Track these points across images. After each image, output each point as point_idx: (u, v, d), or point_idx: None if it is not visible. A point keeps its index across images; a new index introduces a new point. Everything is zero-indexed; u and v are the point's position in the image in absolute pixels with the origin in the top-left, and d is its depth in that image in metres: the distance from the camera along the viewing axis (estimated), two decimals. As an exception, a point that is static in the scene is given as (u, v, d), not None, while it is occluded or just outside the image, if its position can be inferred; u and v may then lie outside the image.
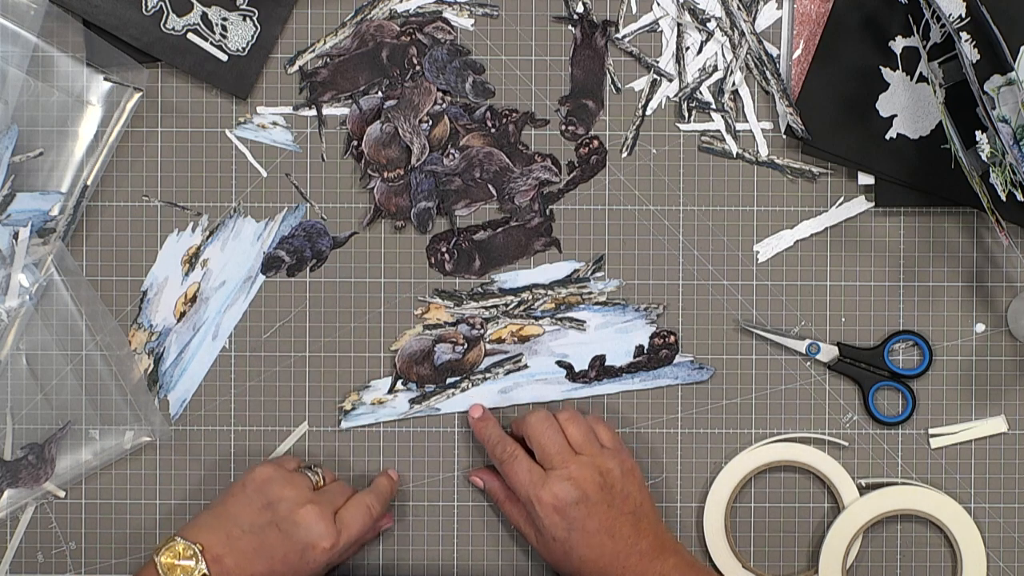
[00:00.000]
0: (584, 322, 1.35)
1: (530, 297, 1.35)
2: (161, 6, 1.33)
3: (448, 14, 1.35)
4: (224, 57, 1.34)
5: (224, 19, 1.34)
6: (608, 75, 1.35)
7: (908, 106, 1.32)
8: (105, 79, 1.33)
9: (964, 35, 1.25)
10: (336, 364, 1.35)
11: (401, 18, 1.35)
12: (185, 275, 1.35)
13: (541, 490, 1.26)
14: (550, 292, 1.35)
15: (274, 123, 1.35)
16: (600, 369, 1.35)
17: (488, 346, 1.35)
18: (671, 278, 1.35)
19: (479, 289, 1.35)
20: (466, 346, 1.34)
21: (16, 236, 1.31)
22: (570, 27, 1.35)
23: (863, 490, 1.34)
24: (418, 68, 1.34)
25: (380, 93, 1.35)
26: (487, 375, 1.35)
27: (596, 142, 1.35)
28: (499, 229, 1.35)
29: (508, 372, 1.35)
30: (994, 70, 1.26)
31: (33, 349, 1.34)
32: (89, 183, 1.33)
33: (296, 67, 1.35)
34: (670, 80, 1.35)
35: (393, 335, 1.35)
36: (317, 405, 1.35)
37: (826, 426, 1.35)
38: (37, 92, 1.32)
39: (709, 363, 1.35)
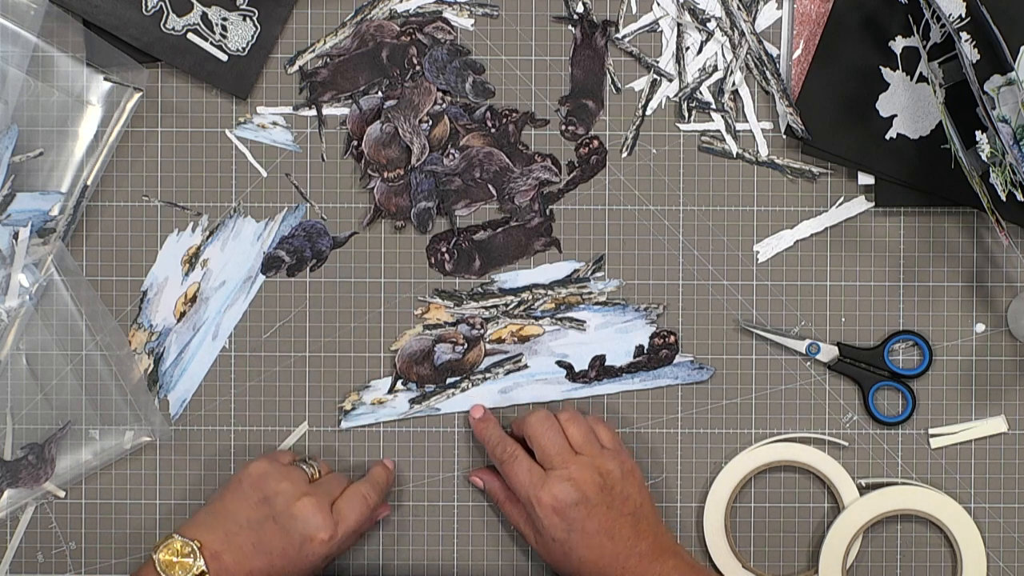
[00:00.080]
0: (584, 322, 1.35)
1: (530, 297, 1.35)
2: (161, 6, 1.33)
3: (448, 14, 1.35)
4: (224, 57, 1.34)
5: (224, 19, 1.34)
6: (608, 75, 1.35)
7: (908, 106, 1.32)
8: (105, 79, 1.33)
9: (964, 35, 1.25)
10: (336, 364, 1.35)
11: (401, 18, 1.35)
12: (185, 275, 1.35)
13: (541, 491, 1.26)
14: (550, 292, 1.35)
15: (274, 123, 1.35)
16: (600, 369, 1.35)
17: (488, 346, 1.35)
18: (671, 278, 1.35)
19: (479, 289, 1.35)
20: (466, 346, 1.34)
21: (16, 236, 1.31)
22: (570, 27, 1.35)
23: (863, 490, 1.34)
24: (418, 68, 1.35)
25: (380, 93, 1.35)
26: (487, 375, 1.35)
27: (596, 142, 1.35)
28: (499, 229, 1.35)
29: (508, 372, 1.35)
30: (994, 70, 1.26)
31: (33, 349, 1.34)
32: (89, 183, 1.33)
33: (296, 67, 1.35)
34: (670, 80, 1.35)
35: (393, 335, 1.35)
36: (317, 405, 1.35)
37: (826, 426, 1.35)
38: (37, 92, 1.32)
39: (709, 363, 1.35)
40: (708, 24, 1.34)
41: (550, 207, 1.35)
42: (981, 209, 1.30)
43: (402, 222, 1.35)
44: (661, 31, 1.35)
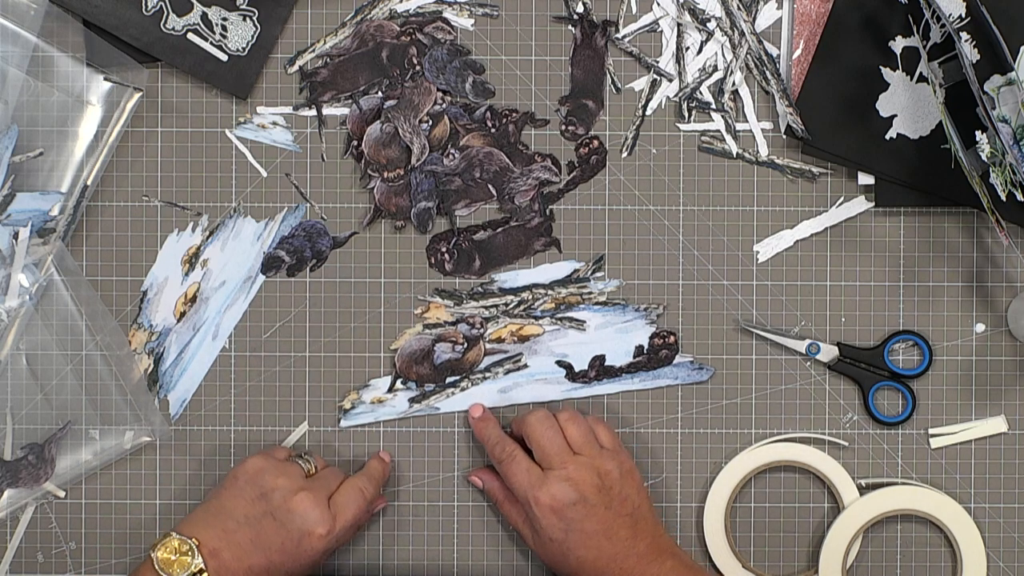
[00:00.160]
0: (584, 322, 1.35)
1: (530, 297, 1.35)
2: (161, 6, 1.33)
3: (448, 14, 1.35)
4: (224, 57, 1.34)
5: (224, 19, 1.34)
6: (608, 75, 1.35)
7: (908, 106, 1.32)
8: (105, 79, 1.33)
9: (964, 35, 1.25)
10: (336, 364, 1.35)
11: (401, 18, 1.35)
12: (185, 275, 1.35)
13: (539, 491, 1.26)
14: (550, 292, 1.35)
15: (274, 123, 1.35)
16: (600, 369, 1.35)
17: (488, 345, 1.35)
18: (671, 278, 1.35)
19: (479, 288, 1.35)
20: (466, 345, 1.34)
21: (16, 236, 1.31)
22: (570, 27, 1.35)
23: (863, 490, 1.34)
24: (418, 68, 1.35)
25: (380, 93, 1.35)
26: (487, 374, 1.35)
27: (596, 142, 1.35)
28: (499, 229, 1.35)
29: (508, 372, 1.35)
30: (994, 70, 1.26)
31: (33, 349, 1.34)
32: (89, 183, 1.33)
33: (296, 67, 1.35)
34: (670, 80, 1.35)
35: (393, 335, 1.35)
36: (317, 405, 1.35)
37: (826, 426, 1.35)
38: (37, 92, 1.32)
39: (709, 363, 1.35)
40: (708, 24, 1.34)
41: (550, 207, 1.35)
42: (981, 209, 1.30)
43: (402, 222, 1.35)
44: (661, 31, 1.35)
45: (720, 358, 1.35)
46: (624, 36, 1.35)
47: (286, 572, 1.25)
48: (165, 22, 1.33)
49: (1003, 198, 1.24)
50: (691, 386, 1.35)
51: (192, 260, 1.35)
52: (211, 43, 1.33)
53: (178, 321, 1.35)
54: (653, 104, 1.35)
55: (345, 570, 1.35)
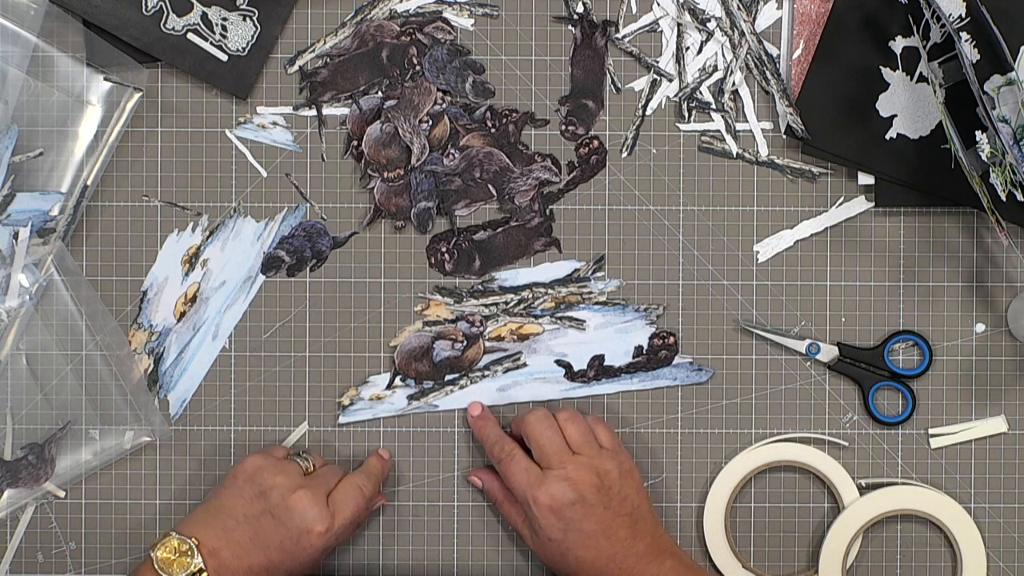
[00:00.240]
0: (584, 321, 1.35)
1: (530, 296, 1.35)
2: (161, 6, 1.33)
3: (448, 14, 1.35)
4: (224, 57, 1.34)
5: (224, 19, 1.34)
6: (608, 75, 1.35)
7: (908, 106, 1.32)
8: (105, 79, 1.33)
9: (964, 35, 1.25)
10: (336, 364, 1.35)
11: (401, 18, 1.35)
12: (185, 275, 1.35)
13: (538, 490, 1.26)
14: (550, 291, 1.35)
15: (274, 123, 1.35)
16: (599, 369, 1.35)
17: (487, 344, 1.35)
18: (671, 278, 1.35)
19: (479, 287, 1.35)
20: (465, 343, 1.34)
21: (16, 236, 1.31)
22: (570, 27, 1.35)
23: (863, 490, 1.34)
24: (418, 68, 1.35)
25: (380, 93, 1.35)
26: (486, 373, 1.35)
27: (596, 142, 1.35)
28: (499, 229, 1.35)
29: (507, 370, 1.35)
30: (994, 70, 1.26)
31: (33, 349, 1.34)
32: (89, 183, 1.33)
33: (296, 67, 1.35)
34: (670, 80, 1.35)
35: (393, 334, 1.35)
36: (317, 405, 1.35)
37: (826, 426, 1.35)
38: (37, 92, 1.32)
39: (709, 363, 1.35)
40: (708, 24, 1.34)
41: (550, 207, 1.35)
42: (981, 209, 1.30)
43: (402, 222, 1.35)
44: (661, 31, 1.35)
45: (720, 358, 1.35)
46: (624, 36, 1.35)
47: (286, 571, 1.25)
48: (165, 22, 1.33)
49: (1003, 198, 1.24)
50: (691, 386, 1.35)
51: (192, 260, 1.35)
52: (211, 43, 1.34)
53: (178, 321, 1.35)
54: (653, 104, 1.35)
55: (345, 570, 1.35)
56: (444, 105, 1.35)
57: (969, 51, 1.25)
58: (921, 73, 1.31)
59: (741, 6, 1.34)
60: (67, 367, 1.34)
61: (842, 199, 1.35)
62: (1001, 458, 1.35)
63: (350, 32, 1.35)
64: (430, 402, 1.35)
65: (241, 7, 1.33)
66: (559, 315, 1.35)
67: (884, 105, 1.32)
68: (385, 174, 1.34)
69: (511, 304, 1.35)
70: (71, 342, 1.34)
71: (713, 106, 1.35)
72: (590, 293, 1.35)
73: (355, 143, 1.35)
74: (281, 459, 1.29)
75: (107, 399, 1.34)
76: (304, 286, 1.35)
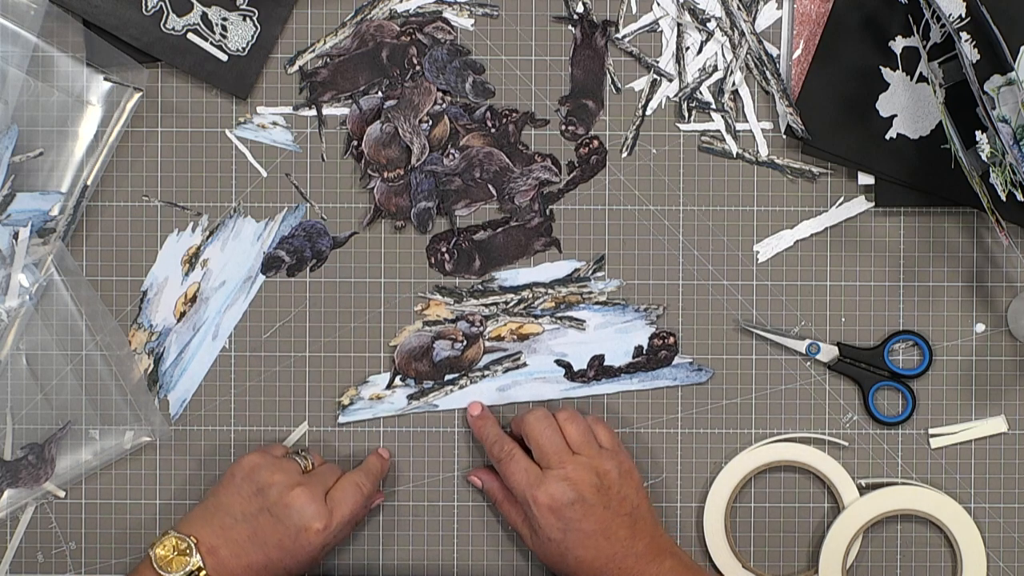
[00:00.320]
0: (584, 321, 1.35)
1: (530, 295, 1.35)
2: (161, 6, 1.33)
3: (448, 14, 1.35)
4: (224, 57, 1.34)
5: (224, 19, 1.34)
6: (608, 75, 1.35)
7: (908, 106, 1.32)
8: (105, 79, 1.33)
9: (964, 35, 1.25)
10: (336, 364, 1.35)
11: (401, 18, 1.35)
12: (185, 275, 1.35)
13: (537, 490, 1.26)
14: (550, 291, 1.35)
15: (274, 123, 1.35)
16: (599, 369, 1.35)
17: (487, 344, 1.35)
18: (671, 278, 1.35)
19: (479, 287, 1.35)
20: (465, 343, 1.34)
21: (16, 236, 1.31)
22: (570, 27, 1.35)
23: (863, 490, 1.34)
24: (418, 68, 1.35)
25: (380, 93, 1.35)
26: (486, 372, 1.35)
27: (596, 142, 1.35)
28: (499, 229, 1.35)
29: (507, 370, 1.35)
30: (994, 70, 1.26)
31: (33, 349, 1.34)
32: (89, 183, 1.33)
33: (296, 67, 1.35)
34: (670, 80, 1.35)
35: (393, 334, 1.35)
36: (317, 405, 1.35)
37: (826, 426, 1.35)
38: (37, 92, 1.32)
39: (709, 363, 1.35)
40: (708, 24, 1.34)
41: (550, 207, 1.35)
42: (981, 209, 1.30)
43: (402, 222, 1.35)
44: (661, 31, 1.35)
45: (720, 358, 1.35)
46: (624, 36, 1.35)
47: (285, 569, 1.25)
48: (165, 22, 1.33)
49: (1003, 198, 1.24)
50: (691, 386, 1.35)
51: (192, 260, 1.35)
52: (211, 43, 1.34)
53: (178, 321, 1.35)
54: (653, 104, 1.35)
55: (344, 570, 1.35)
56: (444, 105, 1.35)
57: (969, 51, 1.25)
58: (921, 73, 1.31)
59: (741, 6, 1.34)
60: (67, 367, 1.34)
61: (842, 199, 1.35)
62: (1001, 458, 1.35)
63: (350, 32, 1.35)
64: (430, 402, 1.35)
65: (241, 7, 1.33)
66: (559, 315, 1.35)
67: (884, 105, 1.32)
68: (385, 174, 1.34)
69: (511, 304, 1.35)
70: (71, 342, 1.34)
71: (713, 106, 1.35)
72: (590, 293, 1.35)
73: (355, 143, 1.35)
74: (279, 457, 1.29)
75: (107, 399, 1.34)
76: (304, 286, 1.35)
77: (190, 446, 1.36)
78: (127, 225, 1.35)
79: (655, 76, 1.35)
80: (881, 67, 1.31)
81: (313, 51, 1.35)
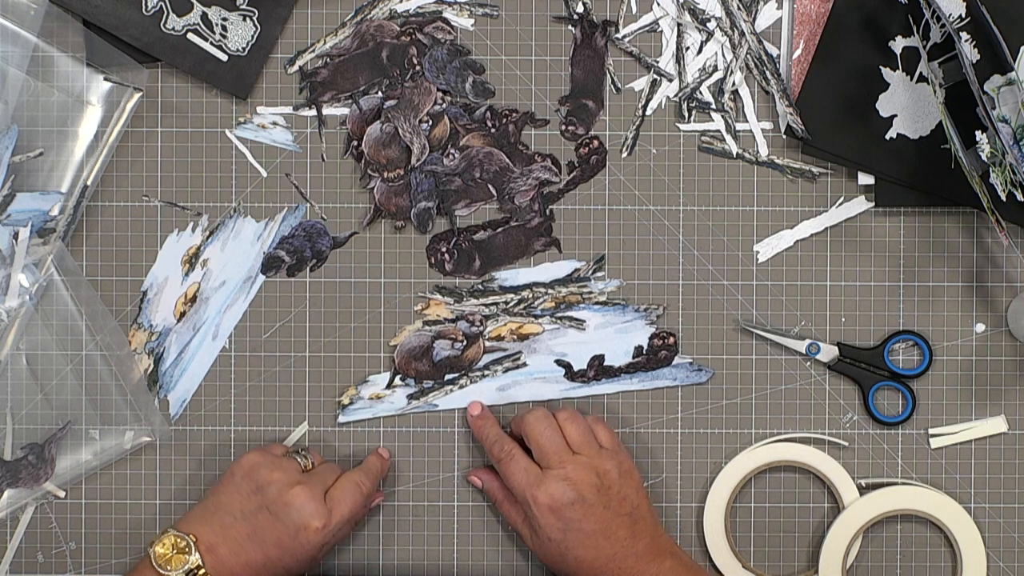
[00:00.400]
0: (584, 321, 1.35)
1: (530, 295, 1.35)
2: (161, 6, 1.33)
3: (448, 14, 1.35)
4: (224, 57, 1.34)
5: (224, 19, 1.34)
6: (608, 75, 1.35)
7: (908, 106, 1.32)
8: (105, 79, 1.33)
9: (964, 35, 1.25)
10: (336, 364, 1.35)
11: (401, 18, 1.35)
12: (185, 275, 1.35)
13: (537, 490, 1.26)
14: (550, 291, 1.35)
15: (274, 123, 1.35)
16: (599, 369, 1.35)
17: (487, 343, 1.35)
18: (671, 278, 1.35)
19: (479, 286, 1.35)
20: (465, 343, 1.34)
21: (16, 236, 1.31)
22: (570, 27, 1.35)
23: (863, 490, 1.34)
24: (418, 68, 1.35)
25: (380, 93, 1.35)
26: (486, 372, 1.35)
27: (596, 142, 1.35)
28: (499, 229, 1.35)
29: (507, 370, 1.35)
30: (994, 70, 1.26)
31: (33, 349, 1.34)
32: (89, 183, 1.33)
33: (296, 67, 1.35)
34: (670, 80, 1.35)
35: (393, 334, 1.35)
36: (317, 405, 1.35)
37: (826, 426, 1.35)
38: (37, 92, 1.32)
39: (709, 363, 1.35)
40: (708, 24, 1.34)
41: (550, 207, 1.35)
42: (981, 209, 1.30)
43: (402, 222, 1.35)
44: (661, 31, 1.35)
45: (720, 358, 1.35)
46: (624, 36, 1.35)
47: (284, 567, 1.25)
48: (165, 22, 1.33)
49: (1003, 198, 1.24)
50: (691, 386, 1.35)
51: (192, 260, 1.35)
52: (211, 43, 1.34)
53: (178, 321, 1.35)
54: (653, 104, 1.35)
55: (344, 570, 1.35)
56: (444, 105, 1.35)
57: (969, 51, 1.25)
58: (921, 73, 1.31)
59: (741, 6, 1.34)
60: (67, 367, 1.34)
61: (842, 199, 1.35)
62: (1001, 458, 1.35)
63: (350, 32, 1.35)
64: (430, 402, 1.35)
65: (241, 7, 1.33)
66: (559, 315, 1.35)
67: (884, 105, 1.32)
68: (385, 174, 1.34)
69: (511, 304, 1.35)
70: (71, 342, 1.34)
71: (713, 106, 1.35)
72: (590, 293, 1.35)
73: (355, 143, 1.35)
74: (279, 456, 1.29)
75: (107, 399, 1.34)
76: (304, 286, 1.35)
77: (190, 446, 1.36)
78: (127, 225, 1.35)
79: (655, 76, 1.35)
80: (881, 67, 1.31)
81: (313, 51, 1.35)
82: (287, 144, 1.35)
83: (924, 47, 1.30)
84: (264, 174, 1.35)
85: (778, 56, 1.35)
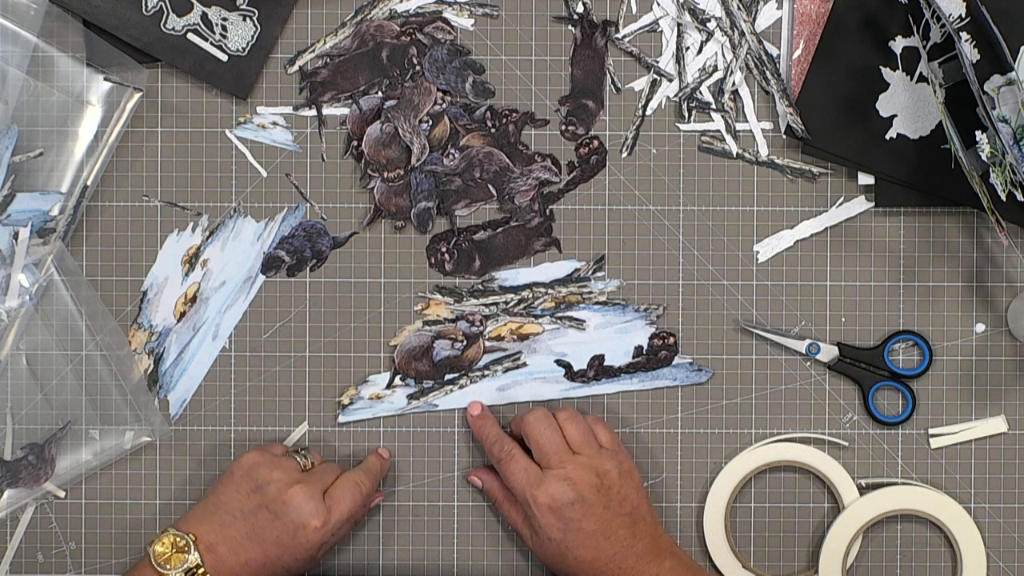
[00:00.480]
0: (584, 321, 1.35)
1: (530, 295, 1.35)
2: (161, 6, 1.33)
3: (448, 14, 1.35)
4: (224, 57, 1.34)
5: (224, 19, 1.34)
6: (608, 75, 1.35)
7: (908, 106, 1.32)
8: (105, 79, 1.33)
9: (964, 35, 1.25)
10: (336, 364, 1.35)
11: (401, 18, 1.35)
12: (185, 275, 1.35)
13: (537, 490, 1.26)
14: (550, 291, 1.35)
15: (274, 123, 1.35)
16: (599, 369, 1.35)
17: (487, 343, 1.35)
18: (671, 278, 1.35)
19: (479, 286, 1.35)
20: (465, 343, 1.34)
21: (16, 236, 1.31)
22: (570, 27, 1.35)
23: (863, 490, 1.34)
24: (418, 68, 1.35)
25: (380, 93, 1.35)
26: (486, 372, 1.35)
27: (596, 142, 1.35)
28: (499, 229, 1.35)
29: (507, 370, 1.35)
30: (994, 70, 1.26)
31: (33, 349, 1.34)
32: (89, 183, 1.33)
33: (296, 67, 1.35)
34: (670, 80, 1.35)
35: (393, 334, 1.35)
36: (317, 405, 1.35)
37: (826, 426, 1.35)
38: (37, 92, 1.32)
39: (709, 363, 1.35)
40: (708, 24, 1.34)
41: (550, 207, 1.35)
42: (981, 209, 1.30)
43: (402, 222, 1.35)
44: (661, 31, 1.35)
45: (720, 358, 1.35)
46: (624, 36, 1.35)
47: (283, 566, 1.25)
48: (165, 22, 1.33)
49: (1003, 198, 1.24)
50: (691, 386, 1.35)
51: (192, 260, 1.35)
52: (211, 43, 1.34)
53: (178, 321, 1.35)
54: (653, 104, 1.35)
55: (344, 570, 1.35)
56: (444, 105, 1.35)
57: (969, 51, 1.25)
58: (921, 73, 1.31)
59: (741, 6, 1.34)
60: (67, 367, 1.34)
61: (842, 199, 1.35)
62: (1001, 458, 1.35)
63: (350, 32, 1.35)
64: (430, 402, 1.35)
65: (241, 7, 1.33)
66: (559, 315, 1.35)
67: (884, 105, 1.32)
68: (385, 174, 1.34)
69: (511, 304, 1.35)
70: (71, 342, 1.34)
71: (713, 106, 1.35)
72: (590, 293, 1.35)
73: (355, 143, 1.35)
74: (279, 456, 1.29)
75: (107, 399, 1.34)
76: (304, 286, 1.35)
77: (190, 446, 1.36)
78: (127, 225, 1.35)
79: (655, 76, 1.35)
80: (881, 67, 1.31)
81: (313, 51, 1.35)
82: (287, 144, 1.35)
83: (924, 47, 1.30)
84: (264, 174, 1.35)
85: (778, 56, 1.35)
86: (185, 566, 1.22)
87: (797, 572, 1.35)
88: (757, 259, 1.35)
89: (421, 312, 1.35)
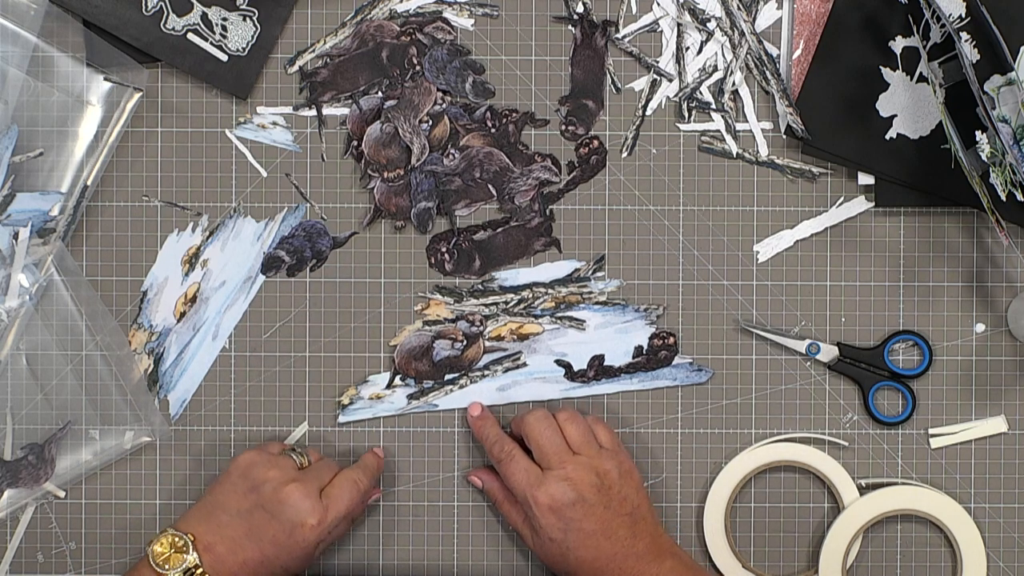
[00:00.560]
0: (584, 321, 1.35)
1: (530, 295, 1.35)
2: (161, 6, 1.33)
3: (448, 14, 1.35)
4: (224, 57, 1.34)
5: (224, 19, 1.34)
6: (608, 75, 1.35)
7: (908, 106, 1.32)
8: (105, 79, 1.33)
9: (964, 35, 1.25)
10: (336, 364, 1.35)
11: (401, 18, 1.35)
12: (185, 275, 1.35)
13: (537, 490, 1.26)
14: (550, 291, 1.35)
15: (274, 123, 1.35)
16: (599, 369, 1.35)
17: (487, 343, 1.35)
18: (671, 278, 1.35)
19: (480, 286, 1.35)
20: (465, 343, 1.34)
21: (16, 236, 1.31)
22: (570, 27, 1.35)
23: (863, 490, 1.34)
24: (418, 68, 1.35)
25: (380, 93, 1.35)
26: (486, 372, 1.35)
27: (596, 142, 1.35)
28: (499, 229, 1.35)
29: (507, 370, 1.35)
30: (994, 70, 1.26)
31: (33, 349, 1.34)
32: (89, 183, 1.33)
33: (296, 67, 1.35)
34: (670, 80, 1.35)
35: (393, 334, 1.35)
36: (317, 405, 1.35)
37: (826, 426, 1.35)
38: (37, 92, 1.32)
39: (709, 363, 1.35)
40: (708, 24, 1.34)
41: (550, 207, 1.35)
42: (981, 209, 1.30)
43: (402, 222, 1.35)
44: (661, 31, 1.35)
45: (720, 358, 1.35)
46: (624, 36, 1.35)
47: (281, 565, 1.25)
48: (165, 22, 1.33)
49: (1003, 198, 1.24)
50: (691, 386, 1.35)
51: (192, 260, 1.35)
52: (211, 43, 1.34)
53: (178, 321, 1.35)
54: (653, 104, 1.35)
55: (344, 570, 1.35)
56: (444, 105, 1.35)
57: (969, 51, 1.25)
58: (921, 73, 1.31)
59: (741, 6, 1.34)
60: (67, 367, 1.34)
61: (842, 199, 1.35)
62: (1001, 458, 1.35)
63: (350, 32, 1.35)
64: (430, 402, 1.35)
65: (241, 7, 1.33)
66: (559, 315, 1.35)
67: (884, 105, 1.32)
68: (385, 174, 1.34)
69: (511, 304, 1.35)
70: (71, 342, 1.34)
71: (713, 106, 1.35)
72: (590, 293, 1.35)
73: (355, 143, 1.35)
74: (275, 454, 1.29)
75: (107, 399, 1.34)
76: (304, 286, 1.35)
77: (190, 446, 1.36)
78: (127, 225, 1.35)
79: (655, 76, 1.35)
80: (881, 67, 1.31)
81: (313, 51, 1.35)
82: (287, 144, 1.35)
83: (924, 47, 1.30)
84: (264, 174, 1.35)
85: (778, 56, 1.35)
86: (184, 566, 1.22)
87: (797, 572, 1.35)
88: (757, 259, 1.35)
89: (421, 312, 1.35)
